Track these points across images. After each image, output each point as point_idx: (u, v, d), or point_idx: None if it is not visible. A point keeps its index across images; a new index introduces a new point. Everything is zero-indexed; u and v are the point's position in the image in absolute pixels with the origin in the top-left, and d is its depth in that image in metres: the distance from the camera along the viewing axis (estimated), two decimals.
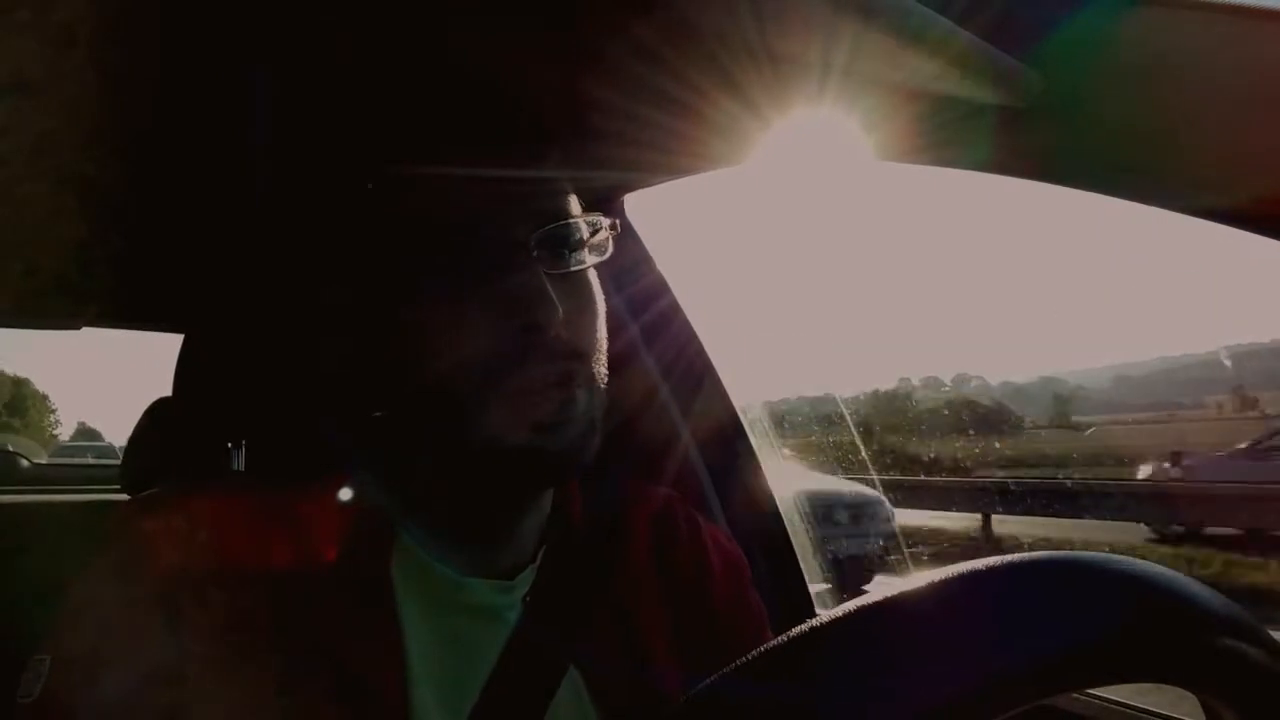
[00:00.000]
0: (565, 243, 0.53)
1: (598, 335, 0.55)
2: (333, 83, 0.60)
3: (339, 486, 0.56)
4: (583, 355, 0.52)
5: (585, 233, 0.54)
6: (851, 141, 0.58)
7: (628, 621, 0.59)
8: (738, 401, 1.14)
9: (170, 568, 0.48)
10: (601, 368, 0.55)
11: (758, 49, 0.49)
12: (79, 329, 1.84)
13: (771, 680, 0.26)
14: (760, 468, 1.14)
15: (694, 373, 1.10)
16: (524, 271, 0.49)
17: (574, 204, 0.55)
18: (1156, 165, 0.46)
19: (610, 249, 0.57)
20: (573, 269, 0.53)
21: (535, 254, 0.50)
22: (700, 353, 1.11)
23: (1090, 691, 0.77)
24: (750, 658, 0.27)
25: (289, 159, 0.67)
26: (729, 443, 1.13)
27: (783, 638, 0.27)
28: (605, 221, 0.56)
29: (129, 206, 0.96)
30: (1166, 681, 0.30)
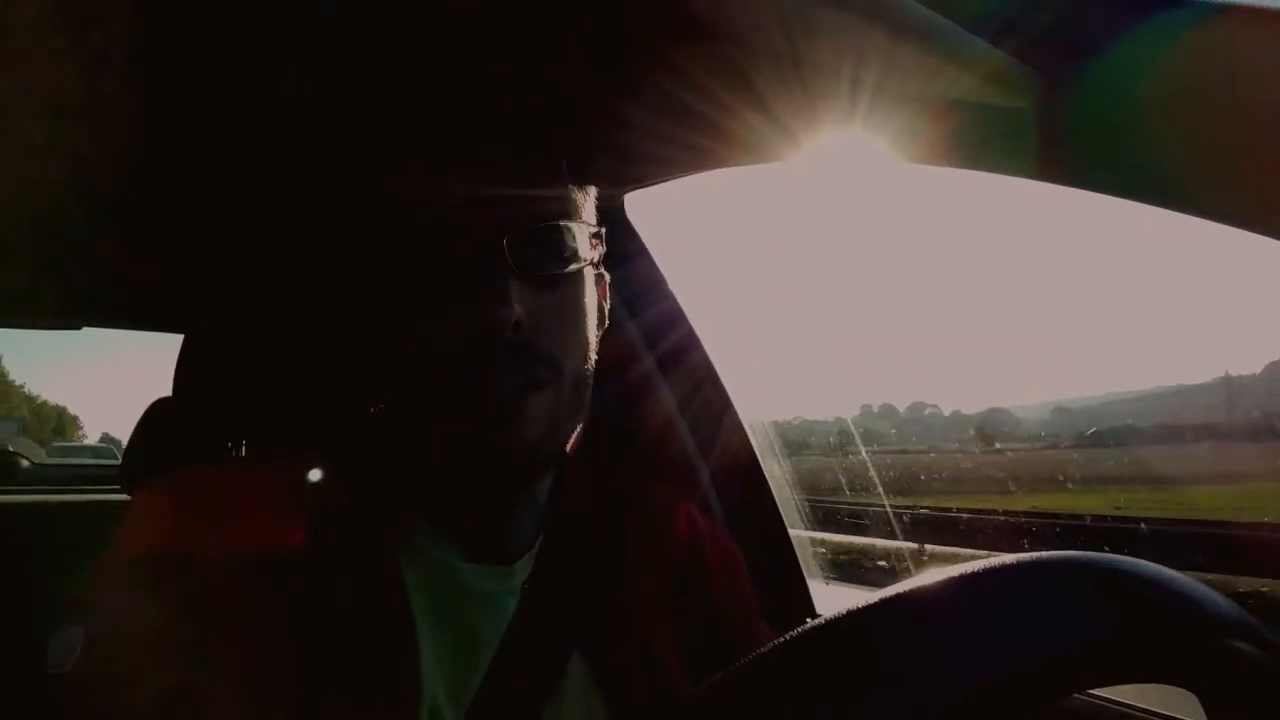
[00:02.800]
0: (543, 245, 0.52)
1: (578, 340, 0.54)
2: (336, 87, 0.60)
3: (343, 477, 0.57)
4: (553, 361, 0.52)
5: (570, 236, 0.54)
6: (881, 150, 0.58)
7: (629, 613, 0.59)
8: (738, 403, 1.14)
9: (181, 556, 0.48)
10: (580, 374, 0.54)
11: (788, 66, 0.49)
12: (79, 329, 1.84)
13: (778, 676, 0.26)
14: (760, 467, 1.14)
15: (694, 373, 1.10)
16: (489, 274, 0.49)
17: (568, 207, 0.54)
18: (1202, 176, 0.45)
19: (598, 255, 0.56)
20: (550, 272, 0.52)
21: (508, 256, 0.49)
22: (701, 353, 1.11)
23: (1090, 691, 0.77)
24: (759, 654, 0.27)
25: (295, 165, 0.67)
26: (729, 442, 1.13)
27: (791, 634, 0.27)
28: (592, 228, 0.55)
29: (137, 211, 0.96)
30: (1169, 682, 0.30)
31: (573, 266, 0.54)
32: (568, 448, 0.57)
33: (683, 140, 0.67)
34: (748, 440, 1.13)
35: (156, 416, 1.24)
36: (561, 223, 0.53)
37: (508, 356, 0.49)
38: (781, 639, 0.27)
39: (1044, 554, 0.29)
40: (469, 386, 0.49)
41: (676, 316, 1.11)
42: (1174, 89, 0.43)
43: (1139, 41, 0.42)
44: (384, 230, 0.51)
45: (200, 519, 0.50)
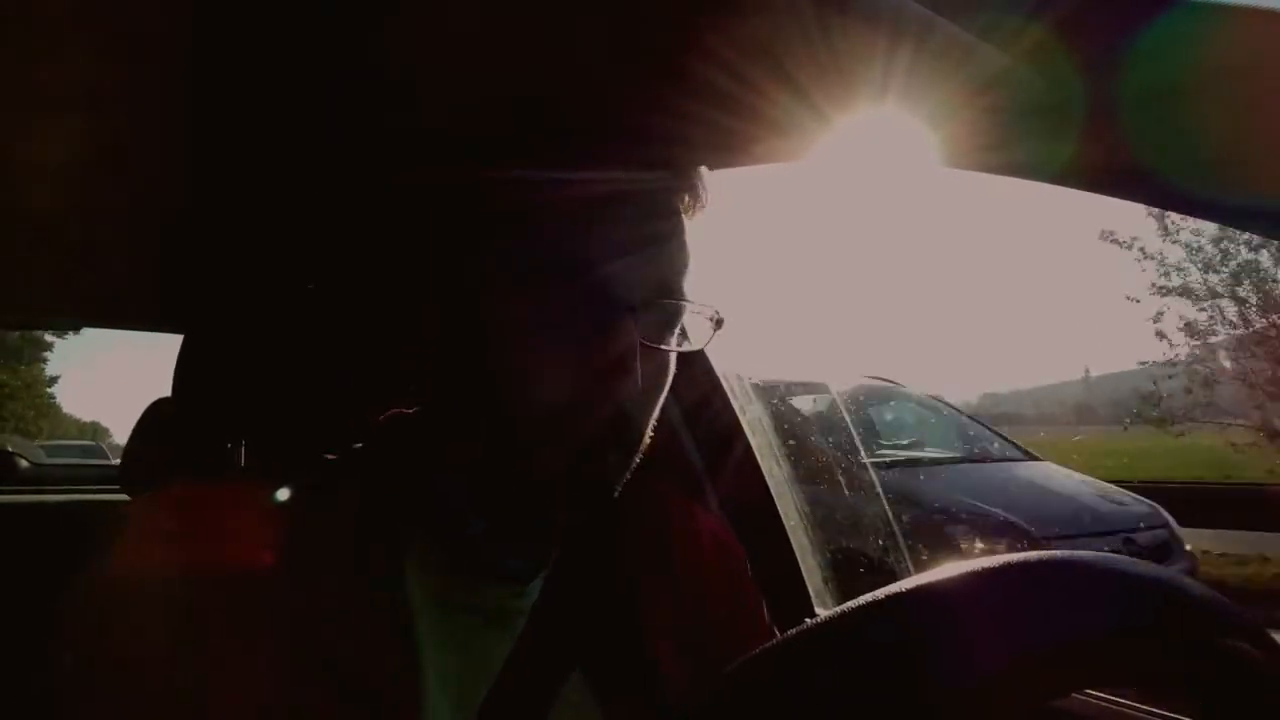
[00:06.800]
0: (667, 320, 0.52)
1: (657, 412, 0.54)
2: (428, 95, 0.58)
3: (354, 488, 0.56)
4: (638, 427, 0.52)
5: (689, 316, 0.53)
6: (914, 143, 0.57)
7: (631, 619, 0.59)
8: (735, 400, 1.14)
9: (180, 568, 0.48)
10: (646, 440, 0.54)
11: (819, 49, 0.48)
12: (79, 330, 1.84)
13: (783, 672, 0.26)
14: (758, 465, 1.14)
15: (692, 373, 1.10)
16: (622, 336, 0.48)
17: (687, 282, 0.54)
18: (1250, 180, 0.44)
19: (707, 343, 0.55)
20: (663, 348, 0.52)
21: (636, 321, 0.49)
22: (698, 351, 1.10)
23: (1090, 691, 0.77)
24: (765, 649, 0.27)
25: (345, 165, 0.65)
26: (726, 441, 1.13)
27: (794, 631, 0.27)
28: (712, 312, 0.54)
29: (153, 210, 0.96)
30: (1169, 682, 0.30)
31: (685, 348, 0.54)
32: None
33: (711, 130, 0.66)
34: (746, 440, 1.13)
35: (156, 417, 1.24)
36: (684, 302, 0.52)
37: (612, 416, 0.49)
38: (775, 641, 0.27)
39: (1046, 553, 0.29)
40: (574, 431, 0.49)
41: None
42: (1216, 70, 0.41)
43: (1186, 15, 0.40)
44: (509, 262, 0.50)
45: (194, 537, 0.50)
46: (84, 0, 0.51)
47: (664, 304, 0.51)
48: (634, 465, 0.54)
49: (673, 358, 0.54)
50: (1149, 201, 0.51)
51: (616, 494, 0.53)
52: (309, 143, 0.71)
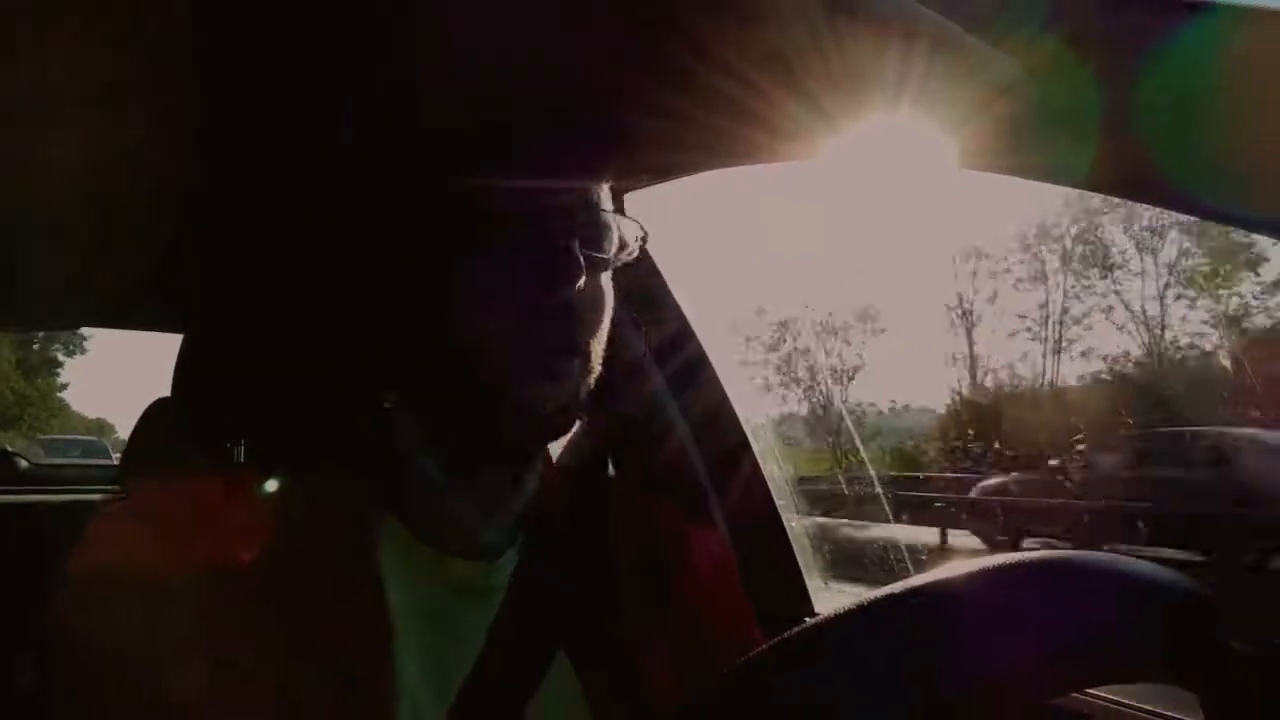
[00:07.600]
0: (598, 231, 0.54)
1: (603, 328, 0.56)
2: (403, 76, 0.59)
3: (329, 468, 0.57)
4: (589, 333, 0.54)
5: (623, 228, 0.56)
6: (932, 145, 0.57)
7: (615, 613, 0.59)
8: (736, 402, 1.14)
9: (155, 557, 0.49)
10: (595, 362, 0.56)
11: (830, 51, 0.48)
12: (77, 330, 1.84)
13: (782, 671, 0.26)
14: (760, 467, 1.14)
15: (693, 372, 1.10)
16: (559, 238, 0.50)
17: (608, 196, 0.57)
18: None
19: (636, 254, 0.58)
20: (601, 256, 0.54)
21: (571, 226, 0.51)
22: (699, 352, 1.11)
23: (1090, 691, 0.77)
24: (765, 649, 0.27)
25: (348, 149, 0.66)
26: (728, 442, 1.13)
27: (786, 634, 0.27)
28: (639, 229, 0.57)
29: (143, 212, 0.96)
30: (1168, 681, 0.30)
31: (622, 257, 0.56)
32: (564, 435, 0.57)
33: (707, 130, 0.66)
34: (747, 440, 1.13)
35: (155, 417, 1.24)
36: (613, 212, 0.55)
37: (564, 316, 0.51)
38: (777, 639, 0.27)
39: (1045, 553, 0.29)
40: (530, 333, 0.50)
41: (675, 315, 1.11)
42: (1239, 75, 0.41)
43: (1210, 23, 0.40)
44: (454, 204, 0.52)
45: (163, 529, 0.51)
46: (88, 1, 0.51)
47: (594, 215, 0.54)
48: (588, 387, 0.55)
49: (609, 280, 0.56)
50: (1169, 206, 0.51)
51: (577, 416, 0.55)
52: (312, 143, 0.71)
